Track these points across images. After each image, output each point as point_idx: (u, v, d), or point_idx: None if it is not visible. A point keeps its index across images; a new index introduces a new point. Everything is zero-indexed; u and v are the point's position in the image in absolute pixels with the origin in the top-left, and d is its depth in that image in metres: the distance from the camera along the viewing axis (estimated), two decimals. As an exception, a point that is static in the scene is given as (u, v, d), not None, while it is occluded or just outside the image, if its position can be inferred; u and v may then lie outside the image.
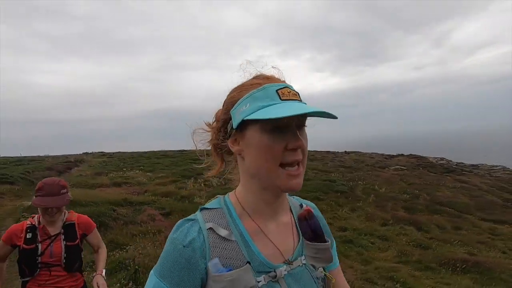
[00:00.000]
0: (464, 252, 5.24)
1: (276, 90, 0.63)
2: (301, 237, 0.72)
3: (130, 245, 4.41)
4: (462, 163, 28.18)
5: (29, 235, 1.75)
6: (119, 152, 35.98)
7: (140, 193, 10.23)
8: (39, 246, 1.75)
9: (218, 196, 0.73)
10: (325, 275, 0.71)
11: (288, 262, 0.66)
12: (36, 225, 1.80)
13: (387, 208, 9.68)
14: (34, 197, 1.78)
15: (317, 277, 0.70)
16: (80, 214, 1.98)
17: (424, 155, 31.28)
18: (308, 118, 0.66)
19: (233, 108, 0.66)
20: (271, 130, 0.61)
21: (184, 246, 0.61)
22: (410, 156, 29.18)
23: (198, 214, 0.67)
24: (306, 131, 0.67)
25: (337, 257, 0.82)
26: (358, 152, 32.91)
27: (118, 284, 3.31)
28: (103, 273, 1.94)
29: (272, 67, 0.72)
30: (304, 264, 0.69)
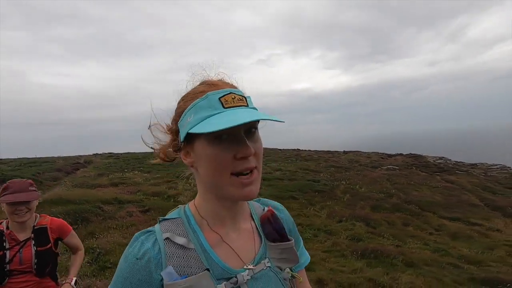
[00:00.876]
0: (390, 244, 6.02)
1: (219, 98, 0.61)
2: (263, 240, 0.72)
3: (102, 235, 5.46)
4: (461, 162, 28.23)
5: None
6: (128, 152, 37.57)
7: (132, 192, 11.34)
8: (7, 253, 1.68)
9: (179, 206, 0.73)
10: (292, 275, 0.72)
11: (250, 267, 0.65)
12: (4, 231, 1.72)
13: (357, 207, 10.46)
14: (0, 198, 1.70)
15: (284, 279, 0.70)
16: (53, 218, 1.91)
17: (424, 154, 31.44)
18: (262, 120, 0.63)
19: (180, 120, 0.65)
20: (217, 139, 0.60)
21: (137, 259, 0.60)
22: (408, 155, 29.42)
23: (156, 226, 0.66)
24: (260, 133, 0.66)
25: (306, 257, 0.82)
26: (358, 151, 33.29)
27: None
28: (73, 282, 1.86)
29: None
30: (269, 266, 0.68)
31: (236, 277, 0.62)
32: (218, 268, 0.62)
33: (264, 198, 0.83)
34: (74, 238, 1.96)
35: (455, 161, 28.49)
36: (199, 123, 0.60)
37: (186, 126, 0.62)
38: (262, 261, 0.68)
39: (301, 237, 0.84)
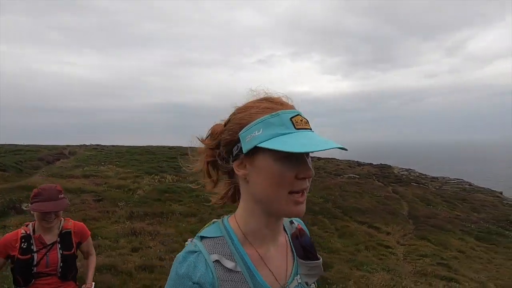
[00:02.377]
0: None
1: (290, 118, 0.65)
2: (295, 257, 0.76)
3: None
4: (425, 174, 30.12)
5: (24, 245, 1.72)
6: (116, 145, 38.88)
7: (99, 184, 12.88)
8: (35, 256, 1.73)
9: (215, 220, 0.74)
10: None
11: (287, 286, 0.70)
12: (31, 234, 1.76)
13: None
14: (30, 204, 1.76)
15: None
16: (76, 222, 1.98)
17: (394, 165, 33.34)
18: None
19: (243, 131, 0.66)
20: (283, 158, 0.63)
21: (193, 283, 0.61)
22: (377, 165, 31.27)
23: (199, 245, 0.66)
24: None
25: None
26: (333, 159, 35.02)
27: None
28: (92, 287, 1.95)
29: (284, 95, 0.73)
30: (300, 283, 0.73)
31: None
32: None
33: None
34: (89, 242, 2.03)
35: (419, 173, 30.34)
36: (271, 138, 0.63)
37: (254, 139, 0.64)
38: (295, 278, 0.73)
39: None
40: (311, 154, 0.68)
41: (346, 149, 0.64)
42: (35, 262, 1.72)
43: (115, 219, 7.77)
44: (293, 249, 0.77)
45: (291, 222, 0.82)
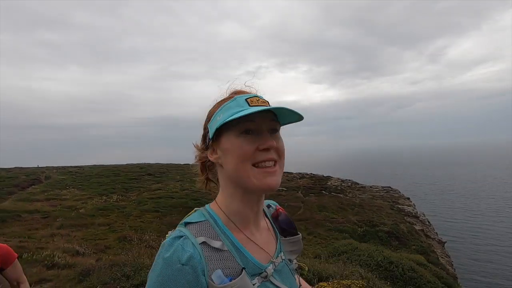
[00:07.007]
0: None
1: (246, 99, 0.73)
2: (278, 236, 0.83)
3: (9, 229, 11.46)
4: (356, 184, 34.73)
5: None
6: (94, 165, 42.39)
7: (54, 205, 17.23)
8: None
9: (196, 209, 0.78)
10: (299, 265, 0.85)
11: (273, 261, 0.75)
12: None
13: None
14: None
15: (293, 269, 0.82)
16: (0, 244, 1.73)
17: (336, 177, 38.01)
18: (283, 127, 0.76)
19: (210, 121, 0.76)
20: (244, 133, 0.71)
21: (182, 264, 0.63)
22: (316, 176, 35.90)
23: (184, 230, 0.70)
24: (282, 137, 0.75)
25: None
26: (284, 172, 39.56)
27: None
28: None
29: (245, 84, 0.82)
30: (284, 259, 0.80)
31: (265, 271, 0.72)
32: (251, 264, 0.71)
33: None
34: (16, 268, 1.73)
35: (352, 183, 34.98)
36: (227, 118, 0.71)
37: (216, 124, 0.73)
38: (279, 255, 0.80)
39: None
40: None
41: (302, 117, 0.70)
42: None
43: (51, 229, 12.18)
44: (275, 229, 0.85)
45: (268, 206, 0.89)
